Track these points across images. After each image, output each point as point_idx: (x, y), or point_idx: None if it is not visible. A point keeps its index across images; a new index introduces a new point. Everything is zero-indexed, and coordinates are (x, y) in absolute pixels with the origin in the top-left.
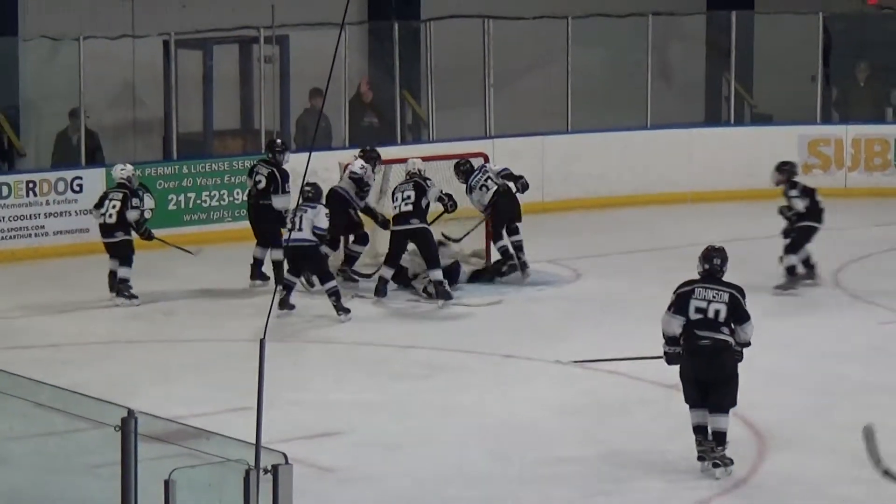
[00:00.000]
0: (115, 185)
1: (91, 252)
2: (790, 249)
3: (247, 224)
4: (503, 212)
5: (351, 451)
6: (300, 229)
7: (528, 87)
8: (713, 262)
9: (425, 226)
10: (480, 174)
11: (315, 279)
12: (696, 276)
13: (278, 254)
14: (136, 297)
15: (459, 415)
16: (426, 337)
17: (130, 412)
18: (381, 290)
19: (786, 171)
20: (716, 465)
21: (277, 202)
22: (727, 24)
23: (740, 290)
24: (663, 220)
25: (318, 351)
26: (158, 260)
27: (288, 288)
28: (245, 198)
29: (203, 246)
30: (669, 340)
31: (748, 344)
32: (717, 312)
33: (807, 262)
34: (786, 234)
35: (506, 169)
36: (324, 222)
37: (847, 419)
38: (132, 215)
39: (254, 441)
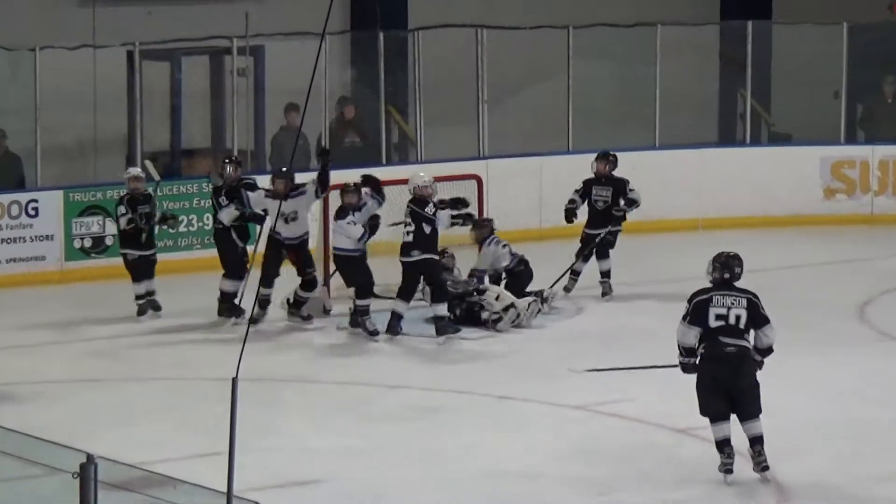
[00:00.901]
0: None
1: (47, 282)
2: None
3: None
4: (523, 281)
5: (330, 501)
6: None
7: (525, 103)
8: (734, 270)
9: (429, 256)
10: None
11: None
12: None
13: (229, 284)
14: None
15: (450, 461)
16: (415, 376)
17: (90, 457)
18: (393, 327)
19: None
20: (764, 469)
21: (221, 217)
22: (743, 35)
23: (756, 295)
24: (672, 250)
25: (295, 391)
26: (120, 291)
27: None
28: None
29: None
30: (685, 351)
31: (771, 348)
32: (737, 318)
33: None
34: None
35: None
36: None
37: (876, 469)
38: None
39: (225, 490)
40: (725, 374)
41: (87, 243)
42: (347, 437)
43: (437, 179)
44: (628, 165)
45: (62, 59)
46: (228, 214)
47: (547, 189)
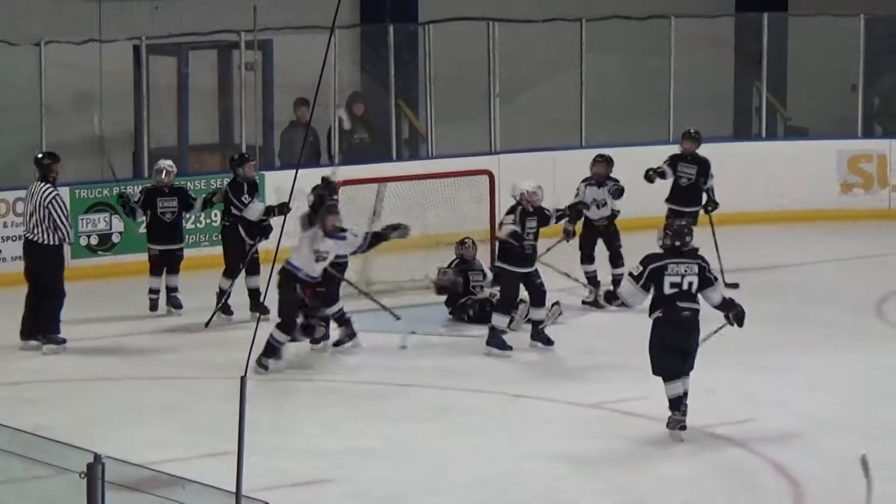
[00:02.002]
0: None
1: None
2: None
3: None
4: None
5: (342, 501)
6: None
7: (537, 98)
8: (685, 239)
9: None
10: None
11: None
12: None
13: (225, 282)
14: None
15: (464, 461)
16: (428, 375)
17: (97, 457)
18: (495, 341)
19: None
20: (683, 428)
21: (248, 214)
22: (758, 28)
23: (704, 259)
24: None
25: (306, 390)
26: (128, 288)
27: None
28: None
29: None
30: (627, 304)
31: (724, 303)
32: (690, 284)
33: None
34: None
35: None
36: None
37: (887, 468)
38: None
39: (234, 490)
40: (679, 336)
41: (94, 240)
42: (359, 438)
43: (448, 175)
44: (641, 160)
45: (68, 54)
46: (256, 210)
47: (560, 184)
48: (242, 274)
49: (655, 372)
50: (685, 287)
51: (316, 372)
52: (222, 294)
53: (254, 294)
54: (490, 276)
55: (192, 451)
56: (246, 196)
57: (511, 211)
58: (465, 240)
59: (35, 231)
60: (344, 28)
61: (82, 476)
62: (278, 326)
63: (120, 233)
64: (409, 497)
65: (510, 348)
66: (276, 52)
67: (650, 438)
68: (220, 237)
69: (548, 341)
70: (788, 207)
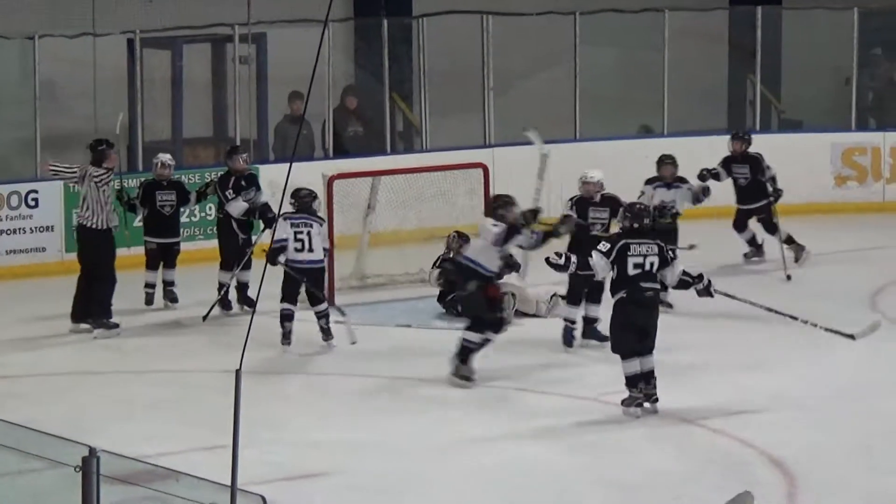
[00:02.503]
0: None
1: (47, 274)
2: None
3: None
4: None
5: (337, 494)
6: (311, 249)
7: (531, 91)
8: (643, 221)
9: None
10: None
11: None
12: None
13: (223, 276)
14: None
15: (459, 454)
16: (422, 367)
17: (92, 451)
18: (566, 336)
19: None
20: (655, 401)
21: (230, 209)
22: (752, 21)
23: (662, 240)
24: (682, 239)
25: (300, 384)
26: (122, 282)
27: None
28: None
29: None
30: (575, 269)
31: (684, 280)
32: (651, 265)
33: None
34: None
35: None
36: (327, 242)
37: (886, 460)
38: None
39: (229, 483)
40: (642, 315)
41: None
42: (353, 430)
43: (442, 168)
44: (637, 154)
45: (62, 48)
46: (237, 207)
47: (554, 177)
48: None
49: (615, 350)
50: (647, 267)
51: (309, 366)
52: (222, 288)
53: (242, 287)
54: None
55: (186, 445)
56: (230, 191)
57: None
58: (451, 234)
59: (86, 215)
60: (338, 21)
61: (77, 470)
62: (470, 328)
63: (116, 227)
64: (403, 489)
65: (570, 344)
66: (269, 45)
67: (645, 432)
68: (214, 230)
69: (602, 338)
70: (782, 200)
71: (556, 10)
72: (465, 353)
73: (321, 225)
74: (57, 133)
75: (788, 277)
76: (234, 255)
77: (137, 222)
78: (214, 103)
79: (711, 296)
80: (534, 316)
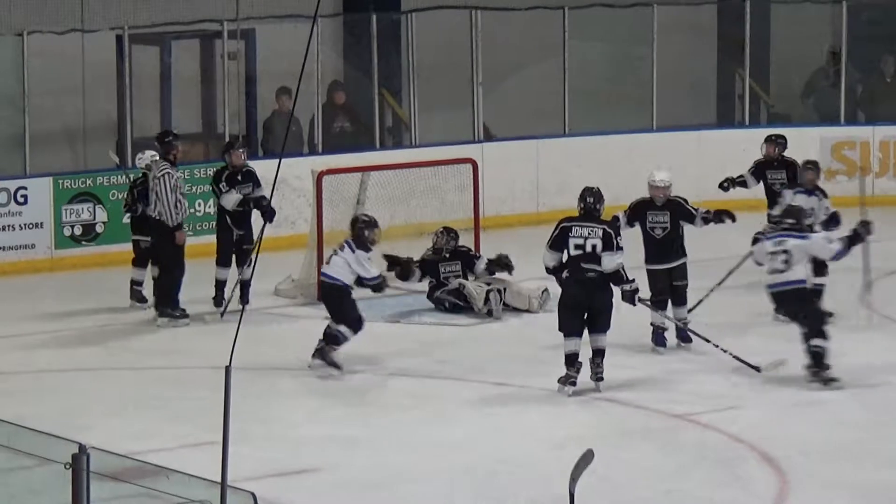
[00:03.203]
0: (141, 175)
1: (37, 271)
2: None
3: (210, 239)
4: None
5: (327, 490)
6: (327, 263)
7: (520, 86)
8: (587, 200)
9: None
10: None
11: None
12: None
13: (218, 272)
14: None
15: (448, 450)
16: (410, 364)
17: (82, 448)
18: (657, 338)
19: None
20: (599, 379)
21: (223, 202)
22: (741, 15)
23: (613, 227)
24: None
25: (290, 380)
26: (111, 279)
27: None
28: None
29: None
30: (548, 271)
31: (617, 273)
32: (593, 247)
33: None
34: None
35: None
36: (369, 272)
37: (877, 455)
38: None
39: (219, 480)
40: (585, 295)
41: (78, 231)
42: (344, 426)
43: (432, 164)
44: (625, 148)
45: (50, 44)
46: (230, 199)
47: (543, 173)
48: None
49: (559, 328)
50: (588, 249)
51: (299, 361)
52: (221, 284)
53: (243, 286)
54: (481, 262)
55: (176, 441)
56: (223, 184)
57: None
58: (438, 230)
59: (154, 207)
60: (326, 17)
61: (67, 467)
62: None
63: (104, 223)
64: (394, 485)
65: (663, 345)
66: (258, 41)
67: (634, 427)
68: (203, 227)
69: (686, 338)
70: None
71: (545, 5)
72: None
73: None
74: (46, 129)
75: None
76: (229, 250)
77: (125, 220)
78: (203, 99)
79: (633, 304)
80: (526, 311)
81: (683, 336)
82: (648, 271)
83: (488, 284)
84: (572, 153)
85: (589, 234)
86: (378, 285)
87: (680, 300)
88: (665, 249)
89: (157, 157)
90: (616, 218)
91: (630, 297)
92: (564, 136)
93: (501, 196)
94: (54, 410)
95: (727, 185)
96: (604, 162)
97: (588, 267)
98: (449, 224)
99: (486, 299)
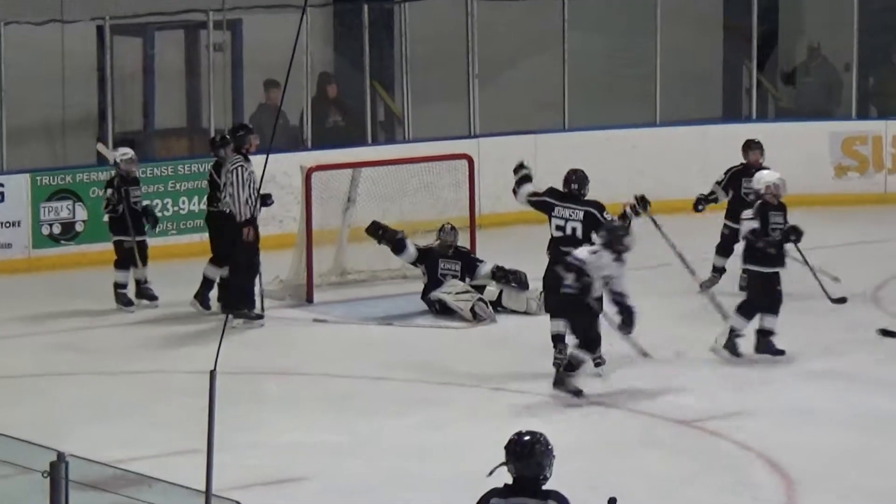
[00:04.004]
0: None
1: (14, 271)
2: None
3: (196, 238)
4: None
5: (317, 500)
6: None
7: (518, 78)
8: (570, 184)
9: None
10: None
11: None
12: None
13: (213, 271)
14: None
15: (440, 458)
16: (400, 367)
17: (60, 456)
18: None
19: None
20: (598, 364)
21: (226, 205)
22: (748, 4)
23: (597, 206)
24: (674, 233)
25: (277, 385)
26: (92, 280)
27: None
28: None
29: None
30: (515, 193)
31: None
32: (573, 230)
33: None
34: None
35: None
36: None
37: (888, 462)
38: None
39: (203, 488)
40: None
41: (56, 230)
42: (332, 433)
43: (426, 160)
44: (627, 144)
45: (29, 35)
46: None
47: (542, 169)
48: None
49: (545, 309)
50: (569, 232)
51: (287, 365)
52: (206, 283)
53: (226, 285)
54: (487, 265)
55: (159, 449)
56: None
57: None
58: (445, 225)
59: (224, 202)
60: (316, 6)
61: (45, 475)
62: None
63: (84, 221)
64: (384, 494)
65: (738, 354)
66: (245, 32)
67: (638, 434)
68: (188, 225)
69: (777, 352)
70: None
71: None
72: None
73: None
74: (23, 124)
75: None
76: (225, 251)
77: (105, 219)
78: (188, 93)
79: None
80: (524, 314)
81: (772, 350)
82: (753, 274)
83: (467, 293)
84: (572, 148)
85: (570, 216)
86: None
87: (774, 308)
88: (780, 254)
89: (230, 151)
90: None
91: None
92: (564, 130)
93: (498, 193)
94: (32, 417)
95: (701, 206)
96: (605, 158)
97: (567, 250)
98: (443, 222)
99: (473, 312)
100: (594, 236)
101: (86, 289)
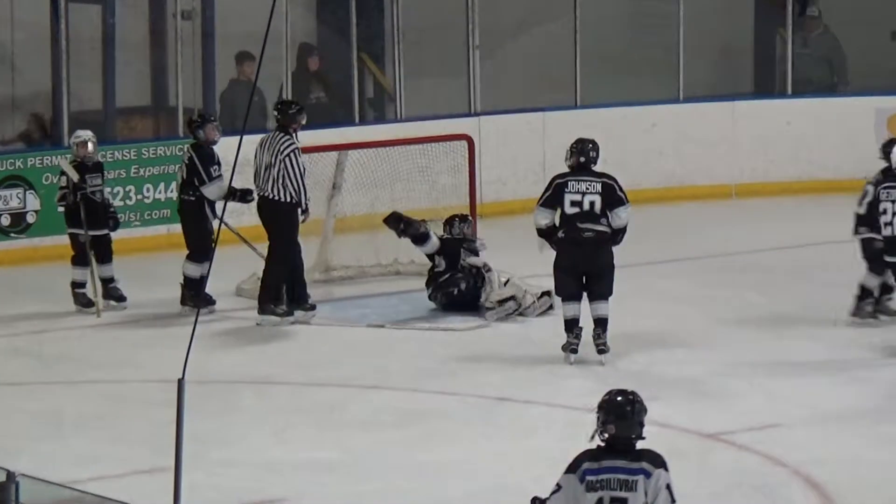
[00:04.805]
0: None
1: None
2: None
3: (163, 230)
4: None
5: None
6: None
7: (524, 50)
8: (588, 154)
9: None
10: None
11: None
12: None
13: (194, 269)
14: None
15: (439, 475)
16: (394, 375)
17: (10, 475)
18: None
19: None
20: (601, 352)
21: (209, 193)
22: None
23: (613, 178)
24: (700, 221)
25: (254, 395)
26: (45, 277)
27: None
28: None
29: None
30: (540, 232)
31: (624, 229)
32: (592, 204)
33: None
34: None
35: None
36: None
37: None
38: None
39: None
40: (583, 257)
41: (5, 221)
42: (316, 449)
43: (420, 141)
44: (647, 122)
45: None
46: (218, 190)
47: (551, 151)
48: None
49: (556, 292)
50: (586, 207)
51: (265, 373)
52: (189, 282)
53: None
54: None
55: (122, 468)
56: (216, 167)
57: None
58: (467, 216)
59: (268, 186)
60: None
61: None
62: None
63: (36, 212)
64: None
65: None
66: None
67: (659, 449)
68: (151, 216)
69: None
70: (817, 176)
71: None
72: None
73: None
74: None
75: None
76: (204, 243)
77: (60, 210)
78: (153, 66)
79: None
80: (518, 311)
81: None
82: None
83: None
84: (584, 128)
85: (587, 189)
86: None
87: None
88: None
89: (277, 132)
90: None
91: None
92: (575, 108)
93: (502, 178)
94: None
95: None
96: (622, 137)
97: (585, 226)
98: (441, 210)
99: (504, 300)
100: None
101: (39, 287)
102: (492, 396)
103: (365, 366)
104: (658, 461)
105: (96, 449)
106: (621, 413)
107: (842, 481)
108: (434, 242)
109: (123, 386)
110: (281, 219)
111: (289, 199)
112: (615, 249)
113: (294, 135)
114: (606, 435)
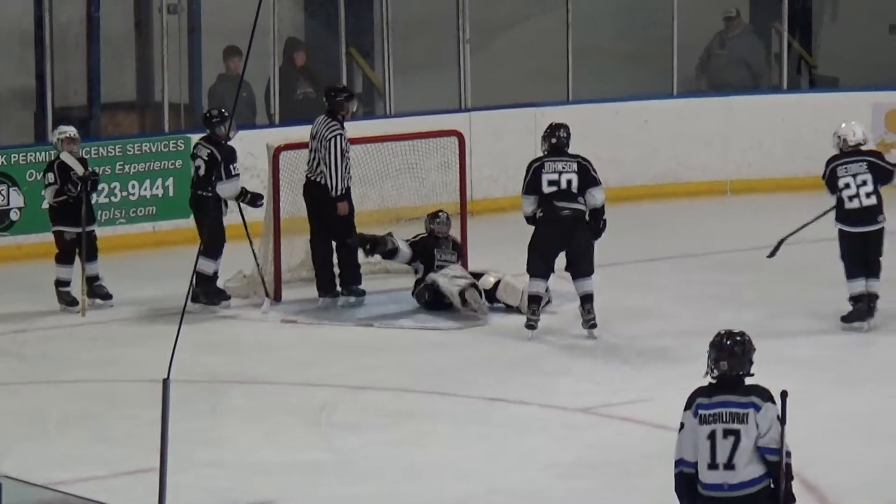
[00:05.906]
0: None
1: None
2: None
3: (148, 227)
4: None
5: None
6: None
7: (515, 44)
8: (560, 137)
9: None
10: None
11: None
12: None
13: (208, 264)
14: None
15: (430, 478)
16: (386, 375)
17: None
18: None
19: None
20: (592, 326)
21: (222, 190)
22: None
23: (587, 160)
24: (695, 218)
25: (242, 394)
26: (28, 275)
27: None
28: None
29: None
30: (528, 220)
31: (601, 209)
32: (569, 182)
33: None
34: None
35: None
36: None
37: None
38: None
39: None
40: (559, 235)
41: None
42: (306, 450)
43: (410, 137)
44: (640, 117)
45: None
46: (233, 189)
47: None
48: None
49: (526, 269)
50: (563, 185)
51: (253, 373)
52: (202, 278)
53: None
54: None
55: (106, 469)
56: (236, 165)
57: None
58: (440, 213)
59: (312, 168)
60: None
61: None
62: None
63: (19, 209)
64: None
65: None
66: None
67: (656, 449)
68: (137, 213)
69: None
70: (814, 172)
71: None
72: None
73: None
74: None
75: None
76: (221, 238)
77: (44, 206)
78: (138, 61)
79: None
80: (517, 310)
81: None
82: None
83: (463, 278)
84: (577, 123)
85: (563, 168)
86: None
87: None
88: (861, 211)
89: (324, 117)
90: None
91: (598, 234)
92: (567, 103)
93: (493, 175)
94: None
95: None
96: (615, 133)
97: (562, 205)
98: (431, 208)
99: (463, 298)
100: None
101: (22, 285)
102: (484, 397)
103: (353, 365)
104: (766, 395)
105: (81, 450)
106: (732, 351)
107: (839, 482)
108: (405, 253)
109: (109, 385)
110: (320, 202)
111: (326, 183)
112: (598, 244)
113: (342, 120)
114: (717, 372)
